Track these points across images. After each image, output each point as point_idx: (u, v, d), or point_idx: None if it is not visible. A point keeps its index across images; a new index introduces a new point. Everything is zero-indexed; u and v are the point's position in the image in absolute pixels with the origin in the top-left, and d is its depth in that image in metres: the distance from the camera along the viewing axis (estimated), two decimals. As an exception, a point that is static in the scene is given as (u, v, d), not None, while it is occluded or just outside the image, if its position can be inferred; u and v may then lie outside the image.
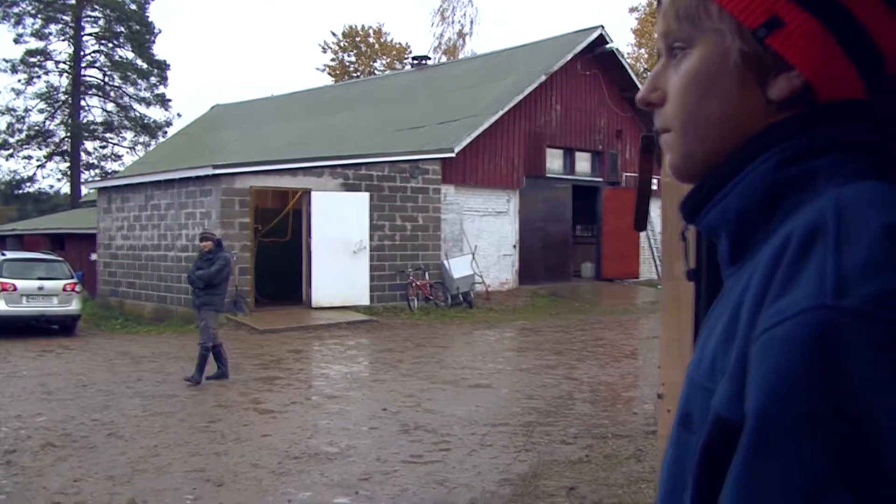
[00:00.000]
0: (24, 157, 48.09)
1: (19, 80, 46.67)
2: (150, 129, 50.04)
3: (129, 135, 50.49)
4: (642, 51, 50.52)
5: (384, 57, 56.15)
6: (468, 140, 23.06)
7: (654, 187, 3.18)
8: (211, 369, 11.74)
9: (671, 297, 2.85)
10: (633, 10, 51.26)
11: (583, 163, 27.91)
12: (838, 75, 0.89)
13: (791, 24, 0.88)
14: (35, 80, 47.07)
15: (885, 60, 0.91)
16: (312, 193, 19.86)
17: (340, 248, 20.11)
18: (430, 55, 41.03)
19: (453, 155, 22.64)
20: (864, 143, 0.89)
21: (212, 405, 10.30)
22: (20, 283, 17.35)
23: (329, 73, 55.88)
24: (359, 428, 9.06)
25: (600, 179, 28.09)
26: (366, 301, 20.51)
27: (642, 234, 28.91)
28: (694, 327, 1.35)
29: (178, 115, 57.14)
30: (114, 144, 50.58)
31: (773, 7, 0.89)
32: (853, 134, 0.89)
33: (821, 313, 0.70)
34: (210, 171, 18.82)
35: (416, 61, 36.42)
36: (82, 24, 47.05)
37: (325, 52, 56.56)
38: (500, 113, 24.12)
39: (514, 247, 25.15)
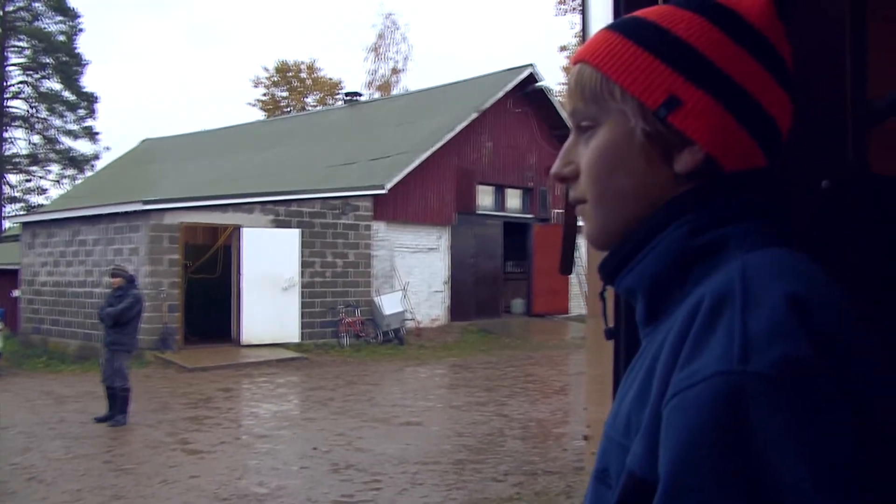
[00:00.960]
0: (-56, 190, 46.92)
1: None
2: (77, 162, 49.05)
3: (55, 168, 49.46)
4: (572, 89, 51.11)
5: (316, 92, 56.08)
6: (400, 177, 23.13)
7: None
8: (102, 409, 11.46)
9: (595, 335, 2.93)
10: (562, 48, 51.91)
11: (513, 199, 28.16)
12: (738, 146, 0.96)
13: (688, 102, 0.95)
14: (-44, 110, 46.00)
15: (780, 129, 0.99)
16: (243, 230, 19.72)
17: (271, 284, 19.97)
18: (362, 91, 41.19)
19: (385, 192, 22.68)
20: (769, 210, 0.96)
21: (138, 446, 10.13)
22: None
23: (261, 108, 55.62)
24: (289, 468, 8.99)
25: (531, 216, 28.35)
26: (296, 338, 20.36)
27: (573, 270, 29.14)
28: (613, 384, 1.42)
29: (107, 148, 56.56)
30: (39, 178, 49.53)
31: (671, 87, 0.96)
32: (758, 201, 0.96)
33: (728, 378, 0.76)
34: (139, 207, 18.58)
35: (348, 97, 36.47)
36: (7, 53, 46.16)
37: (256, 86, 56.32)
38: (432, 150, 24.25)
39: (446, 283, 25.21)
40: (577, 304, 29.32)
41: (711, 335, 0.81)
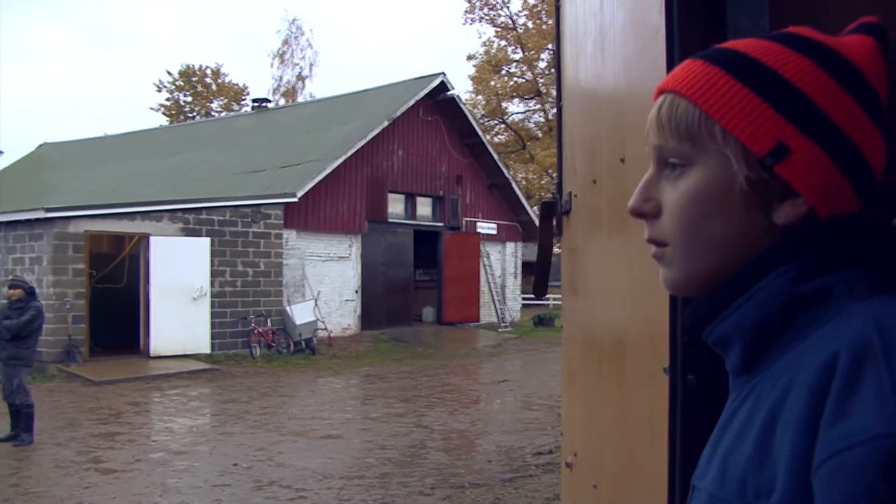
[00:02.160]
0: None
1: None
2: (-31, 167, 47.43)
3: (-55, 173, 47.68)
4: (479, 97, 51.55)
5: (221, 98, 55.33)
6: (311, 185, 22.91)
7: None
8: (5, 428, 10.96)
9: (568, 366, 2.89)
10: (470, 57, 52.28)
11: (424, 208, 28.23)
12: (838, 196, 0.93)
13: (797, 152, 0.91)
14: None
15: (876, 177, 0.95)
16: (151, 238, 19.23)
17: (180, 294, 19.52)
18: (269, 97, 40.69)
19: (296, 199, 22.43)
20: (870, 255, 0.93)
21: (48, 466, 9.71)
22: None
23: (164, 113, 54.65)
24: (210, 486, 8.75)
25: (441, 224, 28.45)
26: (207, 349, 19.95)
27: (483, 278, 29.39)
28: (670, 427, 1.36)
29: (1, 152, 54.51)
30: (-72, 183, 47.66)
31: (780, 134, 0.91)
32: (860, 249, 0.92)
33: (891, 440, 0.72)
34: (41, 215, 17.93)
35: (256, 103, 36.03)
36: None
37: (160, 91, 55.33)
38: (343, 158, 24.10)
39: (357, 292, 25.08)
40: (488, 313, 29.54)
41: (858, 394, 0.77)
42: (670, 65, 1.34)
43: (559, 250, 3.12)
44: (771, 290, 0.92)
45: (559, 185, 2.91)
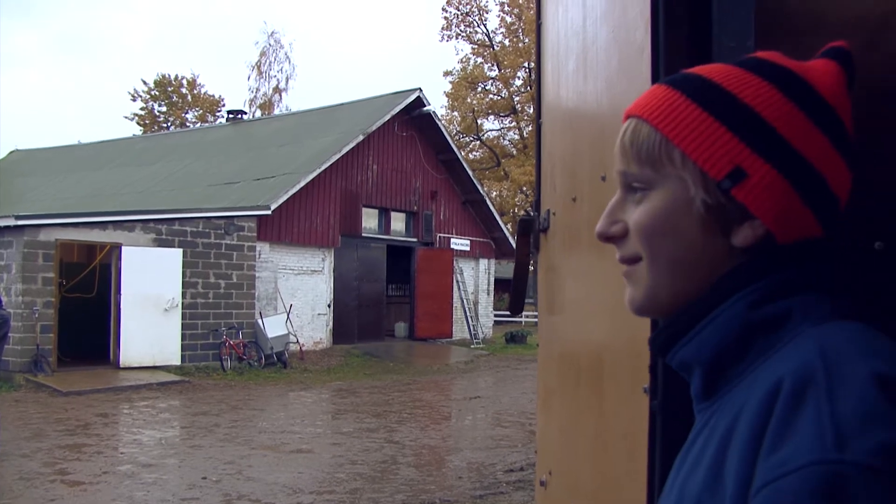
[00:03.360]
0: None
1: None
2: (-62, 173, 46.93)
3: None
4: (455, 113, 51.71)
5: (197, 108, 55.14)
6: (285, 198, 22.84)
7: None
8: None
9: (545, 385, 2.88)
10: (446, 73, 52.47)
11: (398, 223, 28.25)
12: (798, 221, 0.93)
13: (755, 175, 0.91)
14: None
15: (839, 204, 0.96)
16: (123, 248, 19.08)
17: (151, 305, 19.38)
18: (245, 109, 40.59)
19: (269, 212, 22.35)
20: (829, 280, 0.93)
21: (12, 478, 9.56)
22: None
23: (138, 123, 54.40)
24: (178, 499, 8.65)
25: (415, 239, 28.47)
26: (177, 361, 19.79)
27: (456, 294, 29.39)
28: (649, 452, 1.35)
29: (-30, 158, 54.04)
30: None
31: (737, 158, 0.92)
32: (818, 273, 0.93)
33: (826, 468, 0.71)
34: (12, 222, 17.70)
35: (231, 115, 35.92)
36: None
37: (134, 100, 55.09)
38: (318, 171, 24.07)
39: (329, 306, 25.00)
40: (460, 329, 29.52)
41: (797, 420, 0.76)
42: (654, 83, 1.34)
43: (534, 269, 3.11)
44: (728, 315, 0.93)
45: (537, 203, 2.90)
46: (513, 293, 3.01)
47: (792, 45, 1.01)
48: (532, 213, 2.98)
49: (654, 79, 1.35)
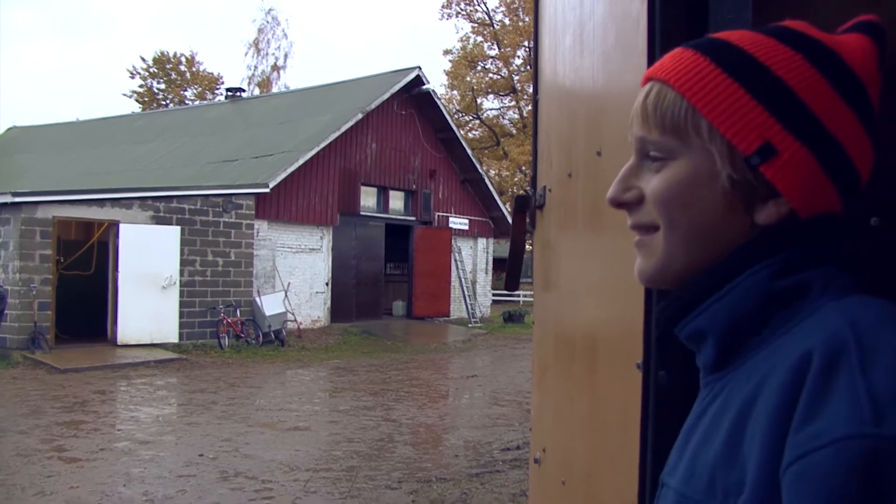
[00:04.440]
0: None
1: None
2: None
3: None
4: (454, 92, 51.57)
5: (195, 86, 54.97)
6: (283, 176, 22.80)
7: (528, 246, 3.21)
8: None
9: (541, 363, 2.87)
10: (446, 52, 52.40)
11: (396, 201, 28.21)
12: (822, 198, 0.91)
13: (785, 153, 0.89)
14: None
15: (862, 181, 0.94)
16: (120, 225, 19.06)
17: (149, 282, 19.39)
18: (243, 87, 40.46)
19: (268, 190, 22.31)
20: (848, 257, 0.91)
21: (10, 454, 9.58)
22: None
23: (136, 100, 54.24)
24: (175, 476, 8.67)
25: (413, 218, 28.44)
26: (175, 338, 19.82)
27: (454, 273, 29.39)
28: (642, 422, 1.34)
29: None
30: None
31: (767, 133, 0.89)
32: (838, 249, 0.91)
33: (863, 441, 0.70)
34: (9, 199, 17.66)
35: (230, 93, 35.81)
36: None
37: (133, 77, 54.93)
38: (317, 149, 24.02)
39: (327, 284, 25.01)
40: (458, 308, 29.55)
41: (831, 393, 0.75)
42: (651, 56, 1.32)
43: (531, 246, 3.10)
44: (749, 285, 0.91)
45: (533, 180, 2.88)
46: (509, 269, 2.99)
47: (789, 17, 0.98)
48: (528, 191, 2.97)
49: (651, 52, 1.33)
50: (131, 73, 54.77)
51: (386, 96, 26.45)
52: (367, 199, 26.81)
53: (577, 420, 2.03)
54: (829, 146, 0.89)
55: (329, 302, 25.13)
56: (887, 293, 0.88)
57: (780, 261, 0.90)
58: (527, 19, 47.37)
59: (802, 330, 0.85)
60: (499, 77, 51.36)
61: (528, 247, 3.14)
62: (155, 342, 19.36)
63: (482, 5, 51.61)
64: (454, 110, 48.36)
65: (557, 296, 2.42)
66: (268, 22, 51.73)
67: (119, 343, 18.96)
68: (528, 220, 2.83)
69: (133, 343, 19.00)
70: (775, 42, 0.92)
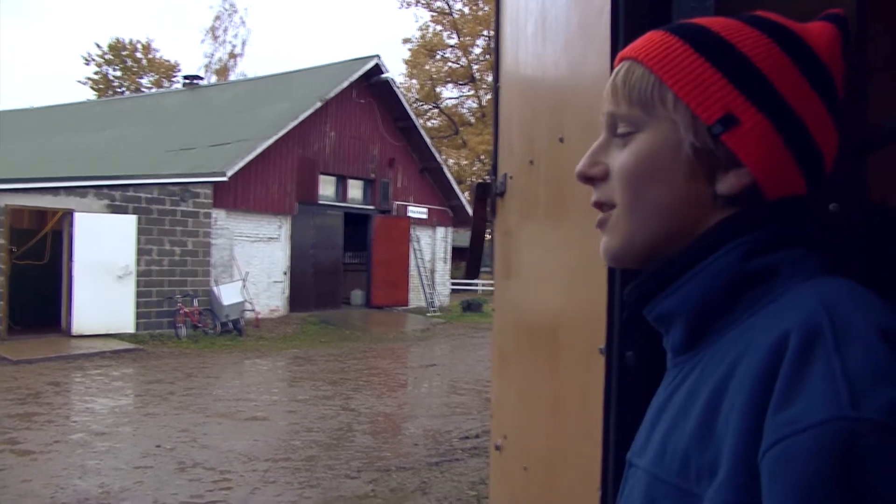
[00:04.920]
0: None
1: None
2: None
3: None
4: (413, 81, 51.45)
5: (152, 74, 54.31)
6: (241, 164, 22.62)
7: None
8: None
9: (501, 351, 2.88)
10: (406, 41, 52.29)
11: (355, 190, 28.12)
12: (784, 174, 0.93)
13: (746, 123, 0.91)
14: None
15: (826, 161, 0.95)
16: (75, 214, 18.80)
17: (105, 272, 19.16)
18: (201, 75, 40.05)
19: (225, 179, 22.13)
20: (814, 239, 0.93)
21: (-37, 445, 9.47)
22: None
23: (91, 87, 53.47)
24: (131, 467, 8.60)
25: (372, 207, 28.38)
26: (131, 329, 19.62)
27: (412, 262, 29.38)
28: (604, 405, 1.36)
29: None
30: None
31: (730, 105, 0.91)
32: (806, 230, 0.93)
33: (841, 424, 0.71)
34: (-40, 187, 17.42)
35: (187, 80, 35.44)
36: None
37: (88, 64, 54.11)
38: (275, 138, 23.85)
39: (285, 273, 24.88)
40: (417, 297, 29.55)
41: (808, 376, 0.75)
42: (614, 44, 1.33)
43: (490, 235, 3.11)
44: (720, 265, 0.92)
45: (494, 167, 2.89)
46: (470, 257, 2.99)
47: (751, 7, 1.00)
48: (489, 179, 2.97)
49: (614, 39, 1.34)
50: (86, 60, 54.02)
51: (345, 85, 26.32)
52: (326, 187, 26.69)
53: (539, 406, 2.04)
54: (790, 120, 0.91)
55: (287, 291, 25.00)
56: (848, 274, 0.90)
57: (751, 241, 0.91)
58: (486, 8, 47.38)
59: (774, 310, 0.86)
60: (458, 66, 51.33)
61: (487, 235, 3.15)
62: (111, 333, 19.14)
63: (441, -6, 51.52)
64: (413, 99, 48.25)
65: (518, 283, 2.43)
66: (225, 9, 51.48)
67: (74, 334, 18.71)
68: (488, 208, 2.84)
69: (88, 334, 18.77)
70: (744, 25, 0.95)
